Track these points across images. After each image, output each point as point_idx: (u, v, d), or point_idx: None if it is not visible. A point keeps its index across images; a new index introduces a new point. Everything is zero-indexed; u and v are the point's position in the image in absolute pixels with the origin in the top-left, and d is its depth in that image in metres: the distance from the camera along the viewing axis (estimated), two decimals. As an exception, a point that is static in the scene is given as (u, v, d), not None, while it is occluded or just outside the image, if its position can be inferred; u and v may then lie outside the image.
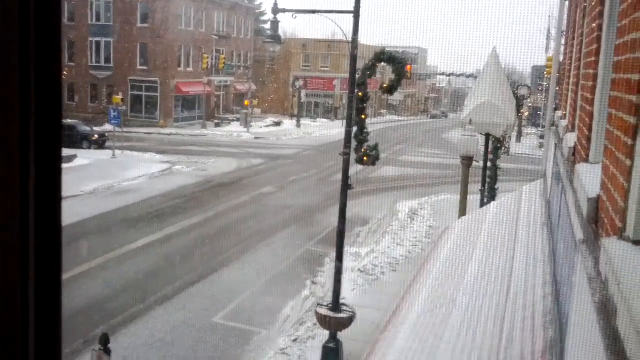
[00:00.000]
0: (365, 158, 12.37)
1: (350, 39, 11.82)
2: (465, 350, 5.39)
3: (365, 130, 12.78)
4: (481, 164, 16.82)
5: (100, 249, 17.95)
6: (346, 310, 11.62)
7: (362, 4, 11.53)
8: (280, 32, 14.84)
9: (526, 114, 69.89)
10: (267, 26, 50.32)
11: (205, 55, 54.02)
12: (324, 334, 11.99)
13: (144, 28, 50.92)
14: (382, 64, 13.23)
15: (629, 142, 2.62)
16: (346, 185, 11.83)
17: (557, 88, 12.88)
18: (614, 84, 3.28)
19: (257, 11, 69.86)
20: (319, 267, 17.34)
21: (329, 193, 24.12)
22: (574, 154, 5.40)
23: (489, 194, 17.37)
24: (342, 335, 11.62)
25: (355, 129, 12.07)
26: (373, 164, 12.51)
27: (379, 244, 19.50)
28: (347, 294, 14.17)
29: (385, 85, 12.70)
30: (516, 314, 4.95)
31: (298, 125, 58.13)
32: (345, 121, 12.49)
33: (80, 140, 35.95)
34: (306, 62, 70.74)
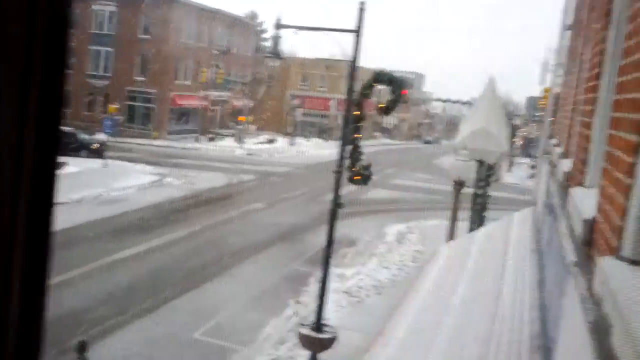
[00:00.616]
0: (357, 177, 12.33)
1: (349, 58, 11.83)
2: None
3: (359, 150, 12.75)
4: (472, 190, 16.77)
5: (81, 259, 17.50)
6: (328, 331, 11.45)
7: (364, 24, 11.55)
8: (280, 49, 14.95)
9: (520, 142, 70.43)
10: (268, 43, 50.61)
11: (204, 69, 54.14)
12: (304, 355, 11.77)
13: (145, 39, 51.02)
14: (379, 86, 13.27)
15: (630, 160, 2.59)
16: (337, 205, 11.73)
17: (552, 118, 12.92)
18: (617, 105, 3.30)
19: (258, 28, 70.29)
20: (303, 286, 17.12)
21: (318, 212, 23.96)
22: (568, 179, 5.42)
23: (478, 221, 17.27)
24: (322, 357, 11.41)
25: (350, 147, 12.04)
26: (365, 183, 12.47)
27: (364, 266, 19.32)
28: (331, 315, 13.96)
29: (381, 105, 12.71)
30: (502, 338, 4.84)
31: (292, 144, 58.21)
32: (339, 142, 12.39)
33: (79, 149, 34.41)
34: (304, 81, 71.09)
